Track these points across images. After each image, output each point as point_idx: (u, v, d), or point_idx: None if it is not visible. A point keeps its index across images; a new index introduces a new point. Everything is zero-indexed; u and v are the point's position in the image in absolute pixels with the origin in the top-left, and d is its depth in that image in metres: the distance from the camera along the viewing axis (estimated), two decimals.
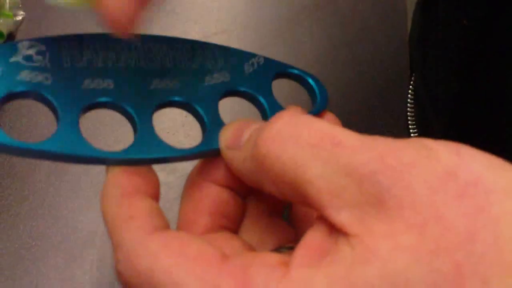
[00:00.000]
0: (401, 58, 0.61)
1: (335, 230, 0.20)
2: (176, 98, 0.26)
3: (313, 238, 0.21)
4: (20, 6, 0.60)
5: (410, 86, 0.51)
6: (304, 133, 0.21)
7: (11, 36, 0.59)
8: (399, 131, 0.56)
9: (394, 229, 0.19)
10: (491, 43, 0.36)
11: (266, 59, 0.28)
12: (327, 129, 0.21)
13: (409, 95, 0.51)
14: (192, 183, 0.26)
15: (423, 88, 0.45)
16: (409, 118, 0.51)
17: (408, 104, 0.51)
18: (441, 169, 0.19)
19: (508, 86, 0.36)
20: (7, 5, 0.58)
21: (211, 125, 0.26)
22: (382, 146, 0.20)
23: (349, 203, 0.20)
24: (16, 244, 0.48)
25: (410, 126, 0.54)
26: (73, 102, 0.24)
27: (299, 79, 0.29)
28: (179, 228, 0.26)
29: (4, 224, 0.49)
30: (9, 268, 0.47)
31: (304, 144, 0.21)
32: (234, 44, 0.61)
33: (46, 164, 0.51)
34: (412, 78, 0.51)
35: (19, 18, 0.60)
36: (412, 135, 0.54)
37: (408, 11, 0.64)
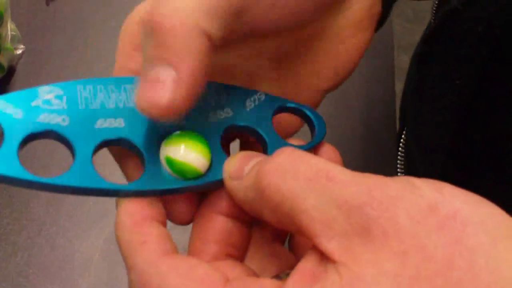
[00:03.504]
0: (388, 90, 0.63)
1: (325, 257, 0.22)
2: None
3: (306, 265, 0.22)
4: (20, 39, 0.61)
5: (401, 140, 0.51)
6: (302, 167, 0.23)
7: (11, 69, 0.60)
8: (387, 161, 0.58)
9: (378, 257, 0.21)
10: (483, 102, 0.37)
11: (267, 95, 0.29)
12: (322, 165, 0.23)
13: (399, 149, 0.51)
14: (200, 214, 0.28)
15: (415, 141, 0.46)
16: (398, 171, 0.52)
17: (398, 158, 0.52)
18: (423, 203, 0.21)
19: (499, 142, 0.37)
20: (8, 39, 0.59)
21: (215, 158, 0.27)
22: (371, 181, 0.22)
23: (338, 233, 0.22)
24: (14, 272, 0.50)
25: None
26: (87, 140, 0.26)
27: (298, 112, 0.31)
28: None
29: (3, 253, 0.51)
30: None
31: (301, 177, 0.23)
32: None
33: (43, 195, 0.52)
34: (404, 132, 0.51)
35: (19, 51, 0.61)
36: None
37: (394, 45, 0.65)
